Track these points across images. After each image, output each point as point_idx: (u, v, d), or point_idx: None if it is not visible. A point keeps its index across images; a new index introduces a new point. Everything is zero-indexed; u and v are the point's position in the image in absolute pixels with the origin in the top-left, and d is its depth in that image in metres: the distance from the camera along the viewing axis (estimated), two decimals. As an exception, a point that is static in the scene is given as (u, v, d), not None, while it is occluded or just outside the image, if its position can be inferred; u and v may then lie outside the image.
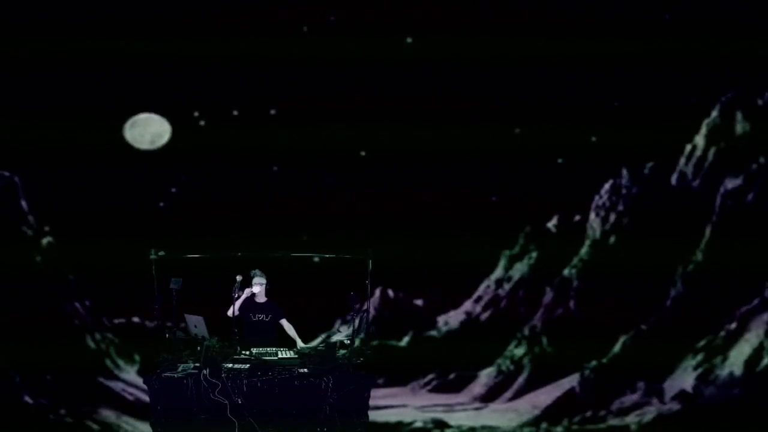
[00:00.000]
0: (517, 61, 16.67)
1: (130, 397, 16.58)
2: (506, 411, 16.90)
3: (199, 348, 10.35)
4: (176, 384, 10.15)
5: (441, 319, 17.73)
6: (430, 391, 17.32)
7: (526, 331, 17.48)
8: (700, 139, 17.23)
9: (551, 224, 17.56)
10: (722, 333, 16.78)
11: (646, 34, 16.70)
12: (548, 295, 17.55)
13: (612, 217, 17.47)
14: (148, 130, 16.95)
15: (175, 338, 10.65)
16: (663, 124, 16.90)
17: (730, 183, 17.13)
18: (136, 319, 16.85)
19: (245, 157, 16.78)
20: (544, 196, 17.34)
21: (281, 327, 11.49)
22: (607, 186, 17.48)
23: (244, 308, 11.43)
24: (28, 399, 16.15)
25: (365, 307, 10.79)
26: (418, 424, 16.61)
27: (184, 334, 10.73)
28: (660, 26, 16.82)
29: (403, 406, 16.98)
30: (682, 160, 17.30)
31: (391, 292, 17.66)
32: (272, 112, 17.13)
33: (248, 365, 10.27)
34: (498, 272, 17.76)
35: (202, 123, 17.07)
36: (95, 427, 16.13)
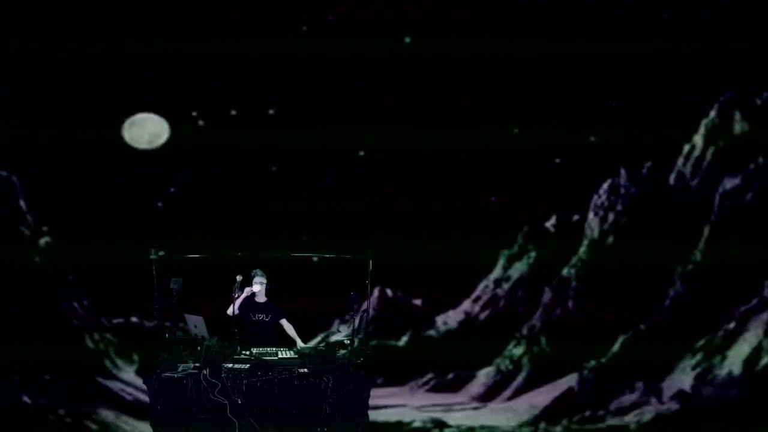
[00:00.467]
0: (515, 61, 16.68)
1: (129, 397, 16.58)
2: (505, 411, 16.91)
3: (199, 348, 10.35)
4: (176, 384, 10.16)
5: (440, 319, 17.74)
6: (429, 390, 17.32)
7: (525, 331, 17.49)
8: (698, 139, 17.24)
9: (550, 224, 17.57)
10: (721, 333, 16.79)
11: (645, 34, 16.71)
12: (547, 295, 17.56)
13: (610, 217, 17.48)
14: (146, 130, 16.94)
15: (175, 338, 10.66)
16: (661, 124, 16.92)
17: (729, 183, 17.14)
18: (134, 319, 16.85)
19: (244, 157, 16.78)
20: (542, 196, 17.35)
21: (281, 327, 11.49)
22: (605, 186, 17.49)
23: (244, 308, 11.43)
24: (27, 399, 16.14)
25: (365, 307, 10.79)
26: (417, 424, 16.62)
27: (184, 334, 10.74)
28: (659, 26, 16.83)
29: (402, 405, 16.98)
30: (681, 160, 17.31)
31: (389, 292, 17.66)
32: (271, 111, 17.13)
33: (248, 365, 10.28)
34: (497, 272, 17.76)
35: (200, 123, 17.07)
36: (94, 427, 16.12)
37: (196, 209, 16.87)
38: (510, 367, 17.34)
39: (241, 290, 11.24)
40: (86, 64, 16.44)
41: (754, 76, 16.88)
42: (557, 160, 17.30)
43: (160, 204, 17.16)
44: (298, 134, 16.91)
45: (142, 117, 16.94)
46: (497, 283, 17.78)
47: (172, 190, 17.20)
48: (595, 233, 17.53)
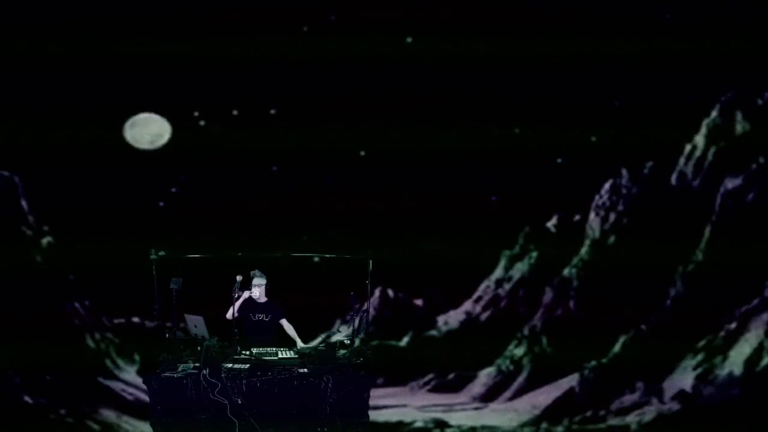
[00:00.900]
0: (516, 61, 16.67)
1: (130, 397, 16.58)
2: (506, 411, 16.90)
3: (199, 348, 10.36)
4: (176, 384, 10.17)
5: (441, 319, 17.73)
6: (430, 390, 17.32)
7: (526, 331, 17.48)
8: (699, 139, 17.23)
9: (551, 224, 17.56)
10: (722, 333, 16.78)
11: (646, 34, 16.70)
12: (548, 295, 17.56)
13: (612, 217, 17.47)
14: (147, 130, 16.95)
15: (175, 338, 10.67)
16: (663, 124, 16.90)
17: (730, 183, 17.13)
18: (136, 319, 16.85)
19: (245, 157, 16.77)
20: (543, 196, 17.34)
21: (281, 327, 11.51)
22: (606, 186, 17.48)
23: (244, 308, 11.44)
24: (28, 399, 16.15)
25: (365, 307, 10.80)
26: (419, 424, 16.62)
27: (184, 334, 10.75)
28: (660, 26, 16.82)
29: (403, 406, 16.98)
30: (682, 160, 17.30)
31: (390, 292, 17.66)
32: (272, 112, 17.12)
33: (248, 365, 10.29)
34: (498, 272, 17.75)
35: (202, 123, 17.07)
36: (95, 427, 16.13)
37: (198, 209, 16.88)
38: (511, 367, 17.34)
39: (242, 290, 11.25)
40: (88, 64, 16.44)
41: (755, 75, 16.87)
42: (558, 160, 17.29)
43: (161, 204, 17.16)
44: (299, 134, 16.90)
45: (143, 117, 16.94)
46: (498, 283, 17.77)
47: (173, 190, 17.20)
48: (597, 233, 17.52)
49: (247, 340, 11.14)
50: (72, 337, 16.69)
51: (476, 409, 17.04)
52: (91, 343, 16.91)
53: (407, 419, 16.66)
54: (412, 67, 16.91)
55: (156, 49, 16.28)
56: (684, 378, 16.70)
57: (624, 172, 17.44)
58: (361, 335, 10.85)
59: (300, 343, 11.28)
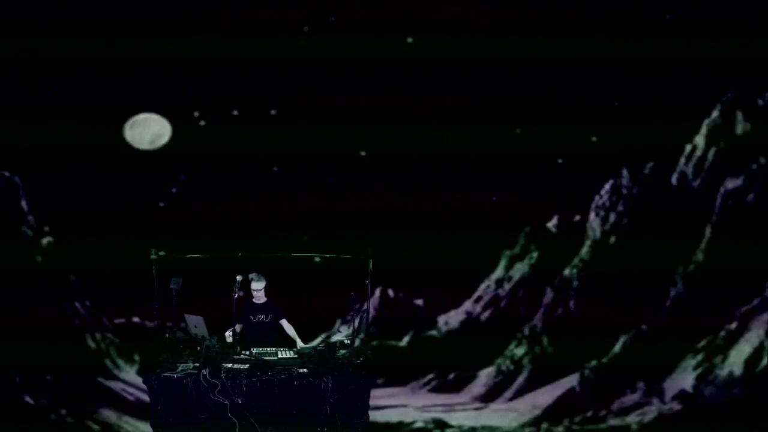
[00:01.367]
0: (517, 61, 16.67)
1: (131, 398, 16.58)
2: (506, 411, 16.90)
3: (199, 348, 10.36)
4: (176, 384, 10.17)
5: (441, 319, 17.72)
6: (430, 391, 17.32)
7: (527, 331, 17.47)
8: (700, 139, 17.22)
9: (551, 224, 17.55)
10: (722, 333, 16.78)
11: (646, 34, 16.70)
12: (548, 295, 17.55)
13: (612, 217, 17.46)
14: (148, 130, 16.95)
15: (175, 338, 10.67)
16: (663, 124, 16.90)
17: (731, 183, 17.12)
18: (136, 319, 16.85)
19: (246, 157, 16.77)
20: (544, 196, 17.33)
21: (281, 327, 11.51)
22: (607, 186, 17.47)
23: (243, 309, 11.44)
24: (28, 399, 16.16)
25: (365, 307, 10.79)
26: (419, 424, 16.62)
27: (184, 334, 10.74)
28: (661, 26, 16.82)
29: (404, 406, 16.98)
30: (683, 160, 17.29)
31: (391, 292, 17.66)
32: (273, 112, 17.12)
33: (248, 365, 10.29)
34: (498, 272, 17.75)
35: (202, 123, 17.07)
36: (96, 427, 16.13)
37: (198, 209, 16.87)
38: (511, 367, 17.33)
39: (241, 290, 11.24)
40: (88, 64, 16.44)
41: (756, 76, 16.86)
42: (559, 161, 17.29)
43: (162, 204, 17.16)
44: (299, 134, 16.90)
45: (143, 117, 16.95)
46: (499, 283, 17.77)
47: (173, 190, 17.20)
48: (597, 233, 17.52)
49: (247, 340, 11.14)
50: (72, 338, 16.69)
51: (477, 409, 17.04)
52: (91, 343, 16.91)
53: (407, 419, 16.66)
54: (412, 67, 16.90)
55: (156, 49, 16.28)
56: (685, 378, 16.70)
57: (624, 172, 17.43)
58: (362, 335, 10.85)
59: (300, 343, 11.29)
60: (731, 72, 16.80)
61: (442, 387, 17.33)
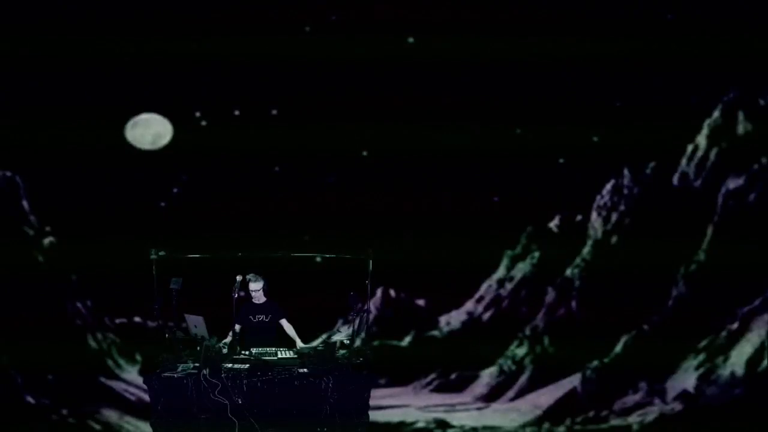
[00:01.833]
0: (518, 61, 16.67)
1: (132, 397, 16.59)
2: (508, 411, 16.90)
3: (199, 348, 10.36)
4: (176, 384, 10.17)
5: (443, 319, 17.72)
6: (432, 391, 17.32)
7: (528, 331, 17.47)
8: (701, 139, 17.21)
9: (553, 224, 17.54)
10: (724, 333, 16.77)
11: (647, 34, 16.69)
12: (550, 295, 17.54)
13: (614, 217, 17.45)
14: (149, 131, 16.95)
15: (175, 338, 10.67)
16: (665, 124, 16.89)
17: (732, 183, 17.11)
18: (137, 319, 16.86)
19: (247, 157, 16.78)
20: (545, 196, 17.33)
21: (281, 327, 11.50)
22: (608, 186, 17.46)
23: (243, 309, 11.44)
24: (30, 399, 16.17)
25: (365, 307, 10.79)
26: (421, 424, 16.62)
27: (184, 334, 10.74)
28: (662, 26, 16.81)
29: (405, 406, 16.98)
30: (684, 160, 17.28)
31: (392, 292, 17.65)
32: (274, 112, 17.12)
33: (248, 365, 10.29)
34: (500, 272, 17.74)
35: (203, 123, 17.08)
36: (97, 427, 16.15)
37: (199, 209, 16.89)
38: (513, 367, 17.33)
39: (241, 290, 11.23)
40: (89, 64, 16.46)
41: (757, 76, 16.85)
42: (560, 161, 17.28)
43: (163, 204, 17.17)
44: (300, 134, 16.90)
45: (145, 117, 16.95)
46: (500, 283, 17.76)
47: (175, 190, 17.21)
48: (599, 233, 17.51)
49: (247, 340, 11.14)
50: (74, 337, 16.70)
51: (478, 409, 17.04)
52: (92, 343, 16.92)
53: (409, 419, 16.66)
54: (413, 67, 16.90)
55: (157, 49, 16.29)
56: (686, 378, 16.69)
57: (626, 172, 17.42)
58: (362, 335, 10.84)
59: (300, 343, 11.28)
60: (733, 72, 16.79)
61: (444, 387, 17.33)
